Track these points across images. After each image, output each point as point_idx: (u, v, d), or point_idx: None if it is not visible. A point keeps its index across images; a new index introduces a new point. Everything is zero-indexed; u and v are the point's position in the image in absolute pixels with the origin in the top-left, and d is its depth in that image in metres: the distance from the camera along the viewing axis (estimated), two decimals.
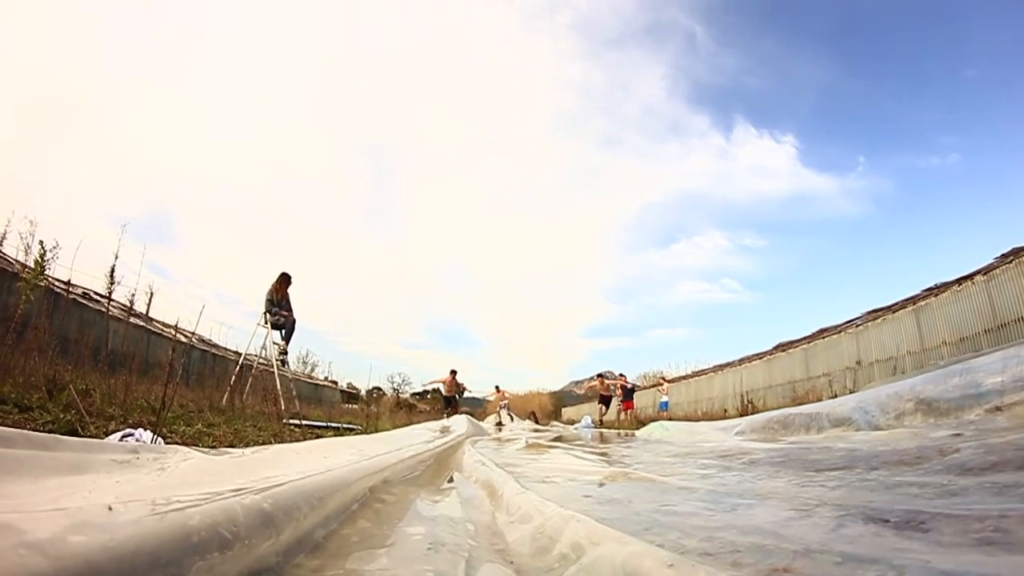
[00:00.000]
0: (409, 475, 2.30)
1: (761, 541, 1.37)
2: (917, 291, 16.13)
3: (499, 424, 17.52)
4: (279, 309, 9.69)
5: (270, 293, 9.77)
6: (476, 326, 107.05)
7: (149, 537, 0.74)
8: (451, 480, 2.52)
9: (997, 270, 13.40)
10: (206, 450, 1.70)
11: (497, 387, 24.70)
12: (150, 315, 13.75)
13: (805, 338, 21.48)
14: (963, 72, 52.28)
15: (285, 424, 5.61)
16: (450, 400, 19.20)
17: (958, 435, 3.05)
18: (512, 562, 1.19)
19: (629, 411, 20.84)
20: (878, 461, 2.53)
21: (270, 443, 3.66)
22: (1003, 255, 13.23)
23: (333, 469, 1.60)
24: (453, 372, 19.03)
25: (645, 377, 38.19)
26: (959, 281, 14.55)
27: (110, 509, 0.77)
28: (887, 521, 1.30)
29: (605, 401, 20.66)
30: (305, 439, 4.28)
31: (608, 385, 21.26)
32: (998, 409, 3.55)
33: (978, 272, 13.87)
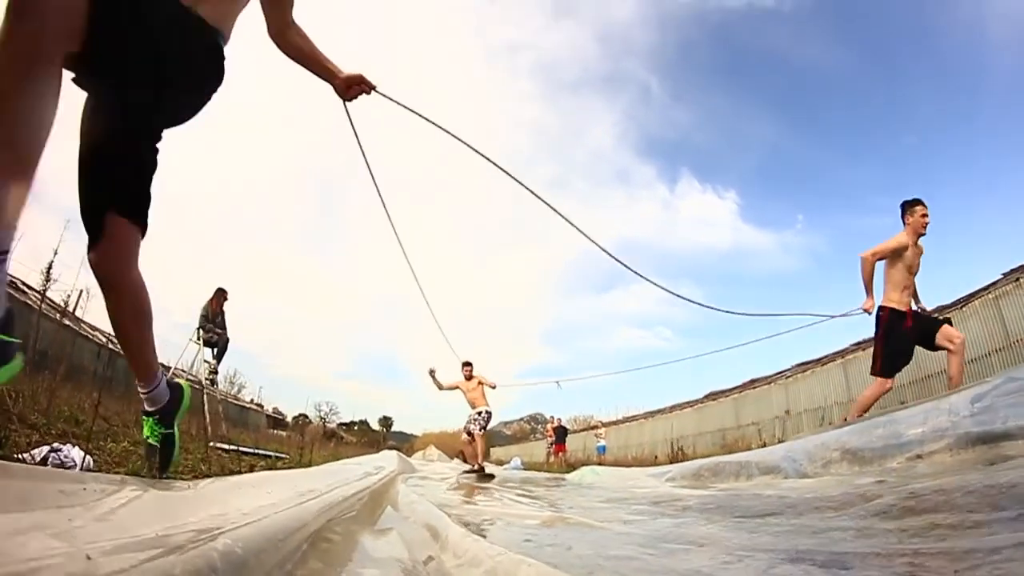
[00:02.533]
0: (348, 513, 2.31)
1: None
2: (846, 345, 17.30)
3: (470, 438, 10.54)
4: (213, 326, 9.43)
5: (205, 309, 9.53)
6: (409, 360, 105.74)
7: None
8: (388, 518, 2.54)
9: None
10: (152, 481, 1.67)
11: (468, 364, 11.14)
12: (78, 315, 12.94)
13: (736, 388, 22.44)
14: (903, 138, 56.85)
15: (213, 448, 5.42)
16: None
17: (881, 482, 3.30)
18: None
19: (561, 454, 20.96)
20: (805, 507, 2.72)
21: (198, 467, 3.61)
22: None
23: (287, 508, 1.61)
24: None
25: (576, 420, 38.58)
26: None
27: (88, 559, 0.76)
28: (814, 562, 1.43)
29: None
30: (232, 465, 4.21)
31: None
32: (919, 457, 3.85)
33: None
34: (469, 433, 10.45)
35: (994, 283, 13.44)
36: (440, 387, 10.45)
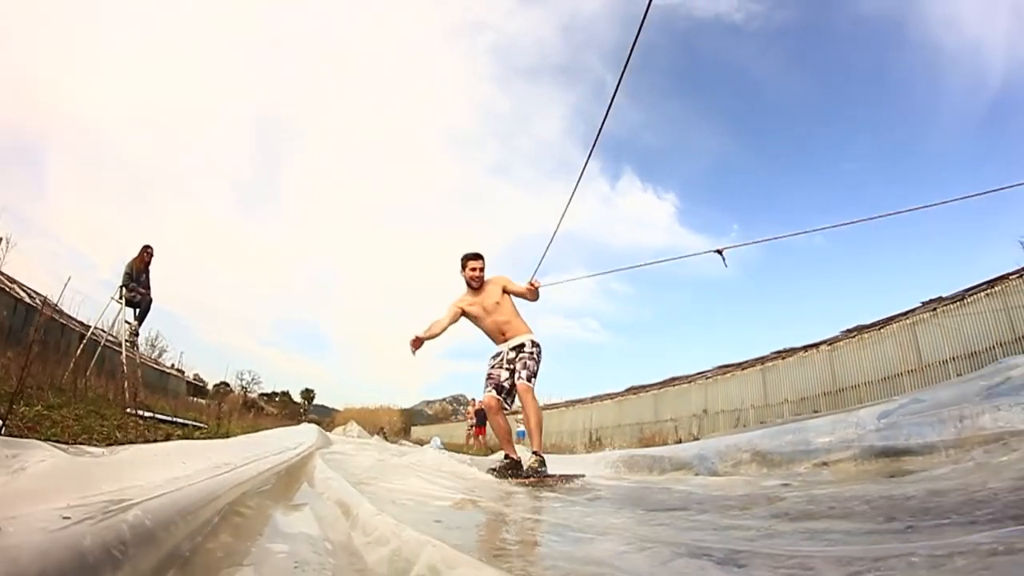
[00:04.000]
0: (263, 487, 2.31)
1: (599, 571, 1.53)
2: (767, 352, 18.27)
3: (496, 403, 5.60)
4: (137, 285, 9.03)
5: (129, 266, 9.10)
6: (333, 332, 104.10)
7: (52, 562, 0.73)
8: (303, 494, 2.55)
9: (840, 342, 16.09)
10: (64, 447, 1.60)
11: (473, 258, 5.75)
12: None
13: (657, 383, 23.21)
14: (843, 164, 59.77)
15: (129, 414, 5.20)
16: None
17: (786, 485, 3.49)
18: None
19: (481, 436, 21.14)
20: (711, 504, 2.83)
21: (114, 434, 3.54)
22: (847, 330, 16.02)
23: (200, 480, 1.63)
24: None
25: None
26: (806, 348, 16.94)
27: None
28: (711, 558, 1.49)
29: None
30: (149, 433, 4.14)
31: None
32: (825, 464, 4.07)
33: (824, 342, 16.51)
34: (498, 390, 5.31)
35: (912, 310, 14.49)
36: (434, 335, 5.34)
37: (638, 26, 2.85)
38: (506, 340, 5.46)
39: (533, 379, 5.20)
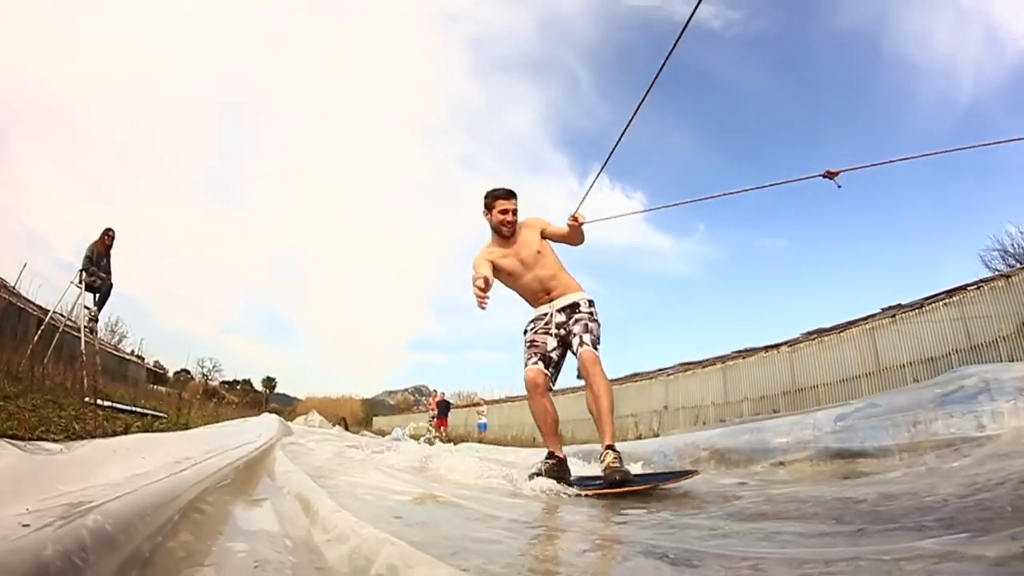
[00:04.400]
0: (223, 482, 2.30)
1: (556, 569, 1.55)
2: (728, 351, 18.65)
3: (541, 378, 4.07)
4: (97, 269, 8.80)
5: (90, 250, 8.88)
6: (296, 319, 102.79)
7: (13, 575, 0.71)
8: (264, 488, 2.55)
9: (801, 344, 16.54)
10: (20, 444, 1.58)
11: (506, 196, 4.32)
12: None
13: (617, 379, 23.47)
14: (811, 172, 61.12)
15: (88, 404, 5.07)
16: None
17: (743, 484, 3.57)
18: None
19: (442, 428, 21.17)
20: (669, 502, 2.88)
21: (72, 426, 3.50)
22: (807, 333, 16.50)
23: (160, 479, 1.62)
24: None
25: (460, 396, 39.08)
26: (767, 348, 17.36)
27: None
28: (666, 558, 1.51)
29: None
30: (108, 423, 4.07)
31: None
32: (781, 464, 4.18)
33: (785, 343, 16.93)
34: (545, 362, 4.06)
35: (872, 315, 14.98)
36: (486, 286, 3.62)
37: (669, 49, 2.82)
38: (551, 300, 4.15)
39: (599, 346, 3.94)
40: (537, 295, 4.20)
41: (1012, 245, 20.60)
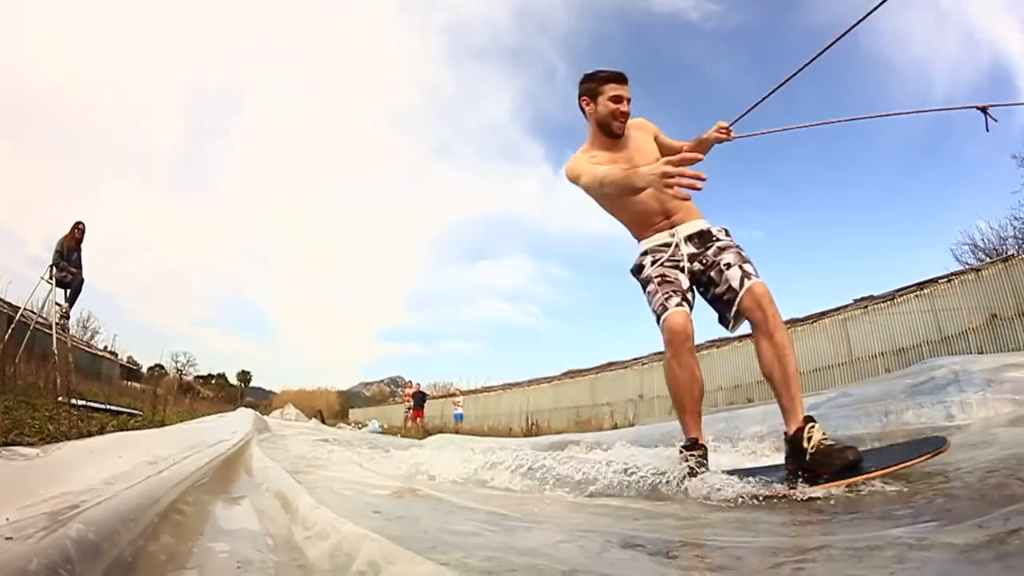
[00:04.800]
0: (201, 481, 2.29)
1: (535, 561, 1.56)
2: (701, 340, 18.82)
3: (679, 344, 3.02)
4: (68, 264, 8.60)
5: (60, 244, 8.70)
6: (270, 312, 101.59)
7: None
8: (242, 485, 2.55)
9: None
10: None
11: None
12: None
13: (593, 368, 23.71)
14: (787, 168, 62.14)
15: (62, 404, 4.98)
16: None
17: None
18: None
19: (419, 419, 21.15)
20: (647, 492, 2.90)
21: (47, 427, 3.48)
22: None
23: (140, 481, 1.62)
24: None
25: (435, 387, 39.09)
26: (740, 338, 17.55)
27: None
28: (644, 548, 1.54)
29: None
30: (82, 423, 4.05)
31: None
32: (754, 454, 4.23)
33: None
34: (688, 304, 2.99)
35: (844, 306, 15.29)
36: (600, 185, 2.94)
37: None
38: (673, 226, 3.13)
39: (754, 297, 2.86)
40: (653, 218, 3.17)
41: (982, 239, 21.22)
